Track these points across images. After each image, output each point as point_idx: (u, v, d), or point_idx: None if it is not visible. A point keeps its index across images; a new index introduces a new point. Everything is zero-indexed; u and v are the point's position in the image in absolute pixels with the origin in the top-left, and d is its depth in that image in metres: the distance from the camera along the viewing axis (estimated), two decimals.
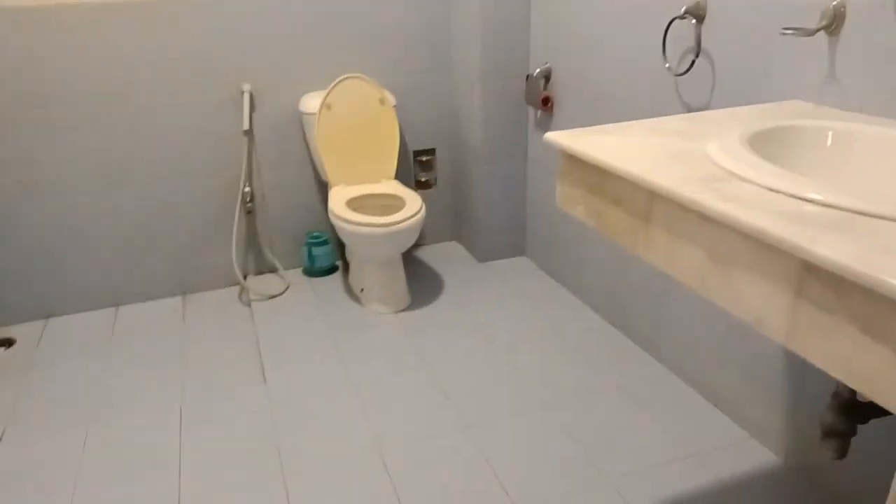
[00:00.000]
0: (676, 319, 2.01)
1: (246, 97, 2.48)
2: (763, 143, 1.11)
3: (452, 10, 2.66)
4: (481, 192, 2.71)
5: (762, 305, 0.84)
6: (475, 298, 2.55)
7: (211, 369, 2.16)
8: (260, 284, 2.70)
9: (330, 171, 2.52)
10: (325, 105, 2.45)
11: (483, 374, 2.09)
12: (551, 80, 2.44)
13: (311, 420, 1.90)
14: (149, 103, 2.39)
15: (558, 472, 1.69)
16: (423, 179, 2.90)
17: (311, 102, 2.50)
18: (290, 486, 1.67)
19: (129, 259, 2.54)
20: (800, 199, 0.87)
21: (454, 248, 2.98)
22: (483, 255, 2.83)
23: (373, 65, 2.64)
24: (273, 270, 2.78)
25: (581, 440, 1.80)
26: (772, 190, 0.91)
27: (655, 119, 1.30)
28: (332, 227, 2.60)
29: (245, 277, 2.72)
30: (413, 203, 2.36)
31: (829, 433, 1.28)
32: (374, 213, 2.33)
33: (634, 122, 1.28)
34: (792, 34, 1.35)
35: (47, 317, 2.50)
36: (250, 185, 2.62)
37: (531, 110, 2.61)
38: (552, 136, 1.19)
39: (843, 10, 1.34)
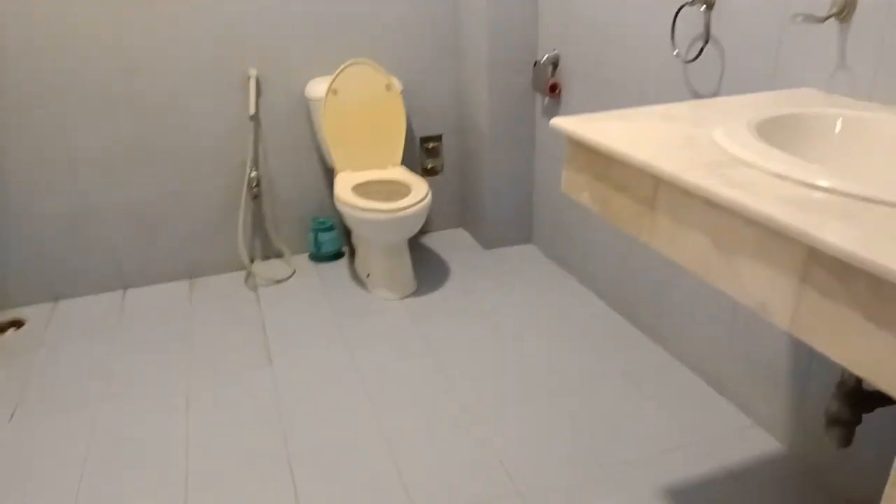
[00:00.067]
0: (682, 307, 2.00)
1: (252, 82, 2.48)
2: (771, 130, 1.11)
3: None
4: (488, 179, 2.71)
5: (767, 292, 0.84)
6: (481, 285, 2.55)
7: (217, 353, 2.17)
8: (266, 269, 2.71)
9: (336, 156, 2.52)
10: (332, 90, 2.45)
11: (489, 360, 2.10)
12: (559, 67, 2.43)
13: (316, 404, 1.92)
14: (155, 87, 2.40)
15: (563, 459, 1.70)
16: (429, 166, 2.90)
17: (317, 88, 2.50)
18: (296, 470, 1.68)
19: (137, 243, 2.55)
20: (808, 185, 0.87)
21: (460, 236, 2.98)
22: (489, 242, 2.83)
23: (379, 50, 2.63)
24: (279, 256, 2.79)
25: (586, 427, 1.81)
26: (779, 176, 0.90)
27: (663, 105, 1.29)
28: (338, 213, 2.60)
29: (251, 262, 2.73)
30: (419, 189, 2.36)
31: (833, 422, 1.28)
32: (379, 199, 2.33)
33: (641, 108, 1.27)
34: (802, 21, 1.33)
35: (56, 299, 2.52)
36: (257, 170, 2.62)
37: (539, 97, 2.60)
38: (558, 121, 1.19)
39: None
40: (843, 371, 1.27)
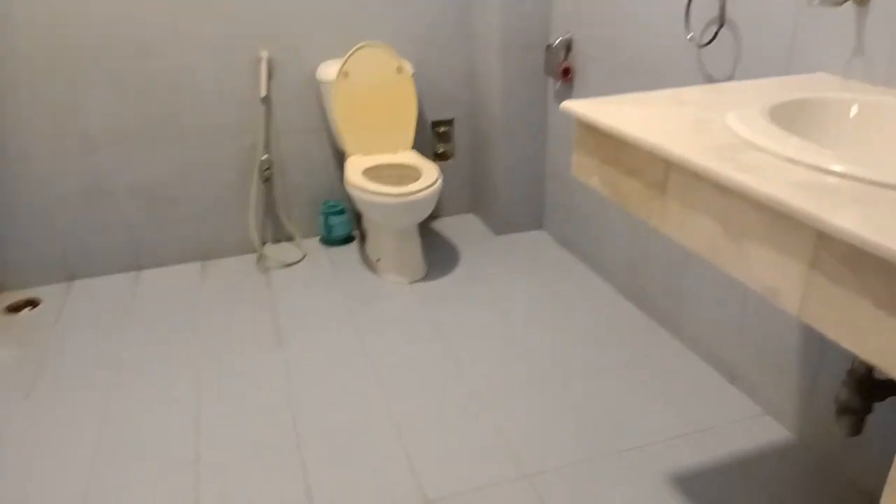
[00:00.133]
0: (693, 295, 1.99)
1: (263, 64, 2.48)
2: (785, 115, 1.09)
3: None
4: (499, 164, 2.70)
5: (776, 277, 0.83)
6: (491, 271, 2.55)
7: (228, 335, 2.19)
8: (277, 252, 2.72)
9: (347, 140, 2.52)
10: (343, 73, 2.44)
11: (498, 346, 2.10)
12: (571, 51, 2.40)
13: (326, 388, 1.93)
14: (168, 68, 2.40)
15: (571, 445, 1.70)
16: (440, 150, 2.89)
17: (328, 70, 2.49)
18: (305, 453, 1.70)
19: (150, 223, 2.57)
20: (820, 170, 0.86)
21: (471, 221, 2.98)
22: (500, 227, 2.82)
23: (391, 33, 2.62)
24: (290, 239, 2.80)
25: (595, 413, 1.81)
26: (791, 161, 0.89)
27: (675, 89, 1.28)
28: (348, 197, 2.60)
29: (263, 245, 2.74)
30: (429, 174, 2.35)
31: (843, 410, 1.27)
32: (390, 183, 2.33)
33: (653, 92, 1.26)
34: (819, 4, 1.31)
35: (72, 279, 2.55)
36: (268, 152, 2.62)
37: (551, 81, 2.58)
38: (568, 104, 1.18)
39: None
40: (854, 359, 1.26)
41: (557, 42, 2.41)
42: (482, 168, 2.86)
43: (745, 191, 0.84)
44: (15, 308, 2.37)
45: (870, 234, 0.68)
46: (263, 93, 2.49)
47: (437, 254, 2.68)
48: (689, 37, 1.79)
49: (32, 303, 2.41)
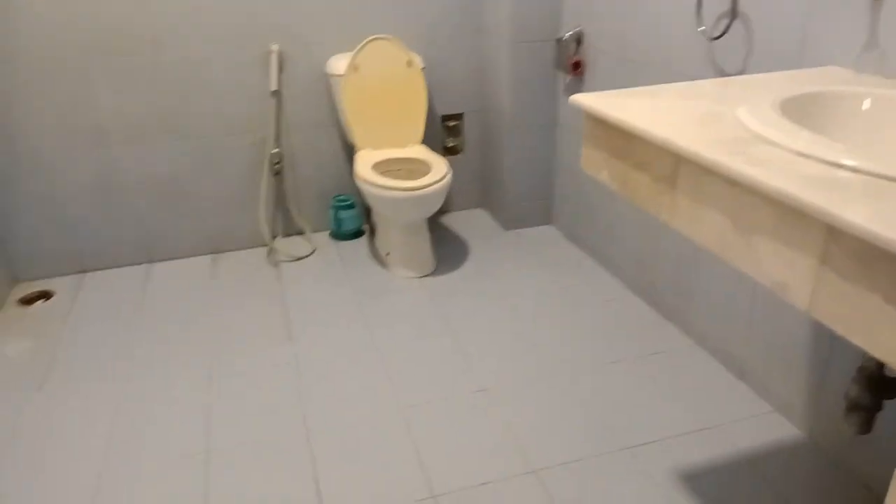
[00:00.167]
0: (702, 291, 1.98)
1: (273, 58, 2.48)
2: (796, 109, 1.08)
3: None
4: (509, 159, 2.69)
5: (786, 272, 0.82)
6: (500, 266, 2.55)
7: (239, 329, 2.20)
8: (287, 246, 2.73)
9: (356, 134, 2.52)
10: (353, 67, 2.44)
11: (507, 341, 2.10)
12: (582, 44, 2.39)
13: (335, 382, 1.93)
14: (179, 61, 2.41)
15: (579, 439, 1.70)
16: (450, 145, 2.89)
17: (338, 64, 2.49)
18: (315, 446, 1.70)
19: (161, 217, 2.59)
20: (831, 164, 0.85)
21: (480, 216, 2.97)
22: (509, 222, 2.82)
23: (401, 26, 2.61)
24: (300, 233, 2.81)
25: (603, 408, 1.80)
26: (802, 155, 0.88)
27: (686, 83, 1.27)
28: (358, 191, 2.60)
29: (273, 239, 2.75)
30: (439, 168, 2.35)
31: (853, 407, 1.26)
32: (399, 178, 2.33)
33: (663, 85, 1.25)
34: None
35: (84, 271, 2.57)
36: (278, 146, 2.63)
37: (561, 75, 2.57)
38: (577, 97, 1.17)
39: None
40: (864, 355, 1.25)
41: (568, 36, 2.39)
42: (491, 163, 2.85)
43: (756, 185, 0.83)
44: (28, 300, 2.40)
45: (881, 230, 0.68)
46: (274, 86, 2.49)
47: (446, 248, 2.68)
48: (700, 30, 1.77)
49: (45, 295, 2.43)
